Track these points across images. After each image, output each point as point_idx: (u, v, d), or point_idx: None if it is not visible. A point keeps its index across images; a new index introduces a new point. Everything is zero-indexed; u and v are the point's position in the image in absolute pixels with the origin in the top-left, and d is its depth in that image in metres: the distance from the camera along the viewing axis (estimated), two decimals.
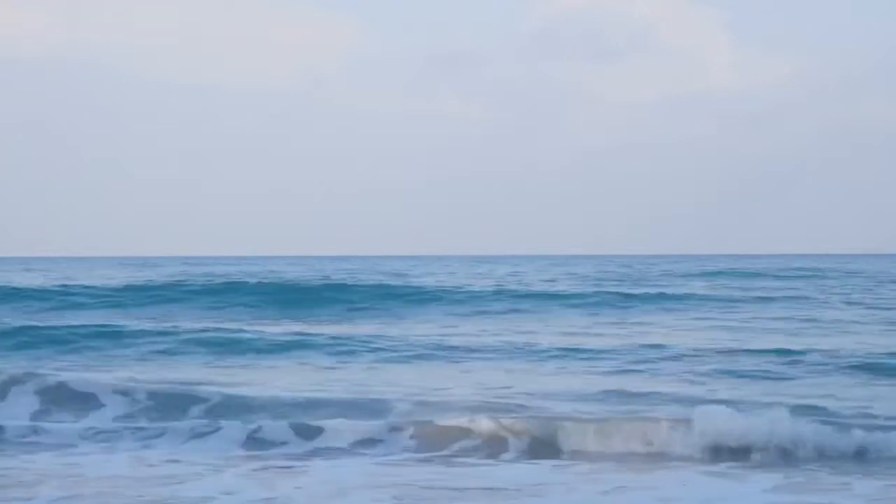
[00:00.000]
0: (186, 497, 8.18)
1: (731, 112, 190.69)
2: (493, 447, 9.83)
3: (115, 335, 18.38)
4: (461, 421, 10.29)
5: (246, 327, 19.89)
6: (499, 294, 28.81)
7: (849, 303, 27.71)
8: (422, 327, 21.20)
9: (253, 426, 10.48)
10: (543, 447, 9.82)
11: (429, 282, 35.02)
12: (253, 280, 31.69)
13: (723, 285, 36.78)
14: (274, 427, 10.48)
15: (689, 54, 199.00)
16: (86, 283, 32.05)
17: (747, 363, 15.00)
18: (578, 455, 9.63)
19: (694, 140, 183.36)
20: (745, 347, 16.62)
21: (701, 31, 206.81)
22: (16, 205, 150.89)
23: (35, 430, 10.72)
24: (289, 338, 18.16)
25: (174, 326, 19.51)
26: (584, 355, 16.06)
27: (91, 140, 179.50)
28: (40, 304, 25.69)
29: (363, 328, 20.61)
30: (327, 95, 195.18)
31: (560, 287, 33.71)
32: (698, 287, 34.82)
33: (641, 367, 14.90)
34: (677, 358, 15.61)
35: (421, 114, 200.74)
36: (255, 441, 10.22)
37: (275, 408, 11.26)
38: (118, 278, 37.58)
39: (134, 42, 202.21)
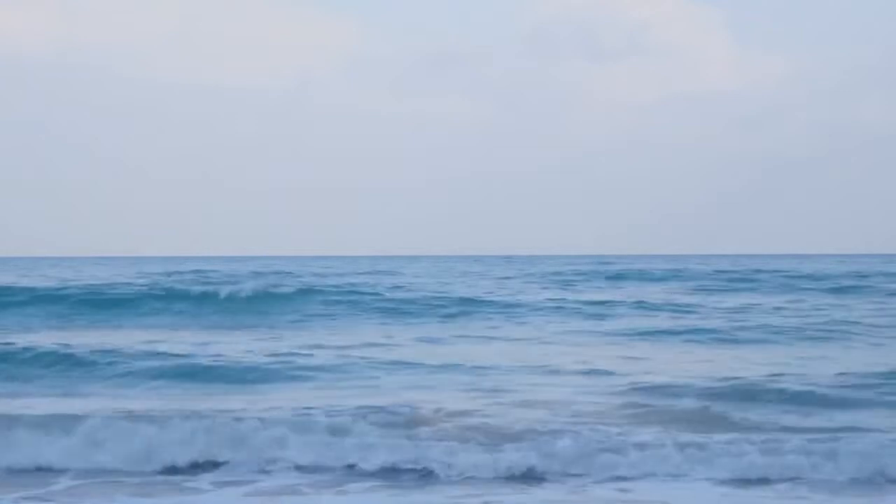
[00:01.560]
0: (186, 488, 8.94)
1: (730, 112, 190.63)
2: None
3: None
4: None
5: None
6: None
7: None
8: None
9: None
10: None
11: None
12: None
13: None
14: None
15: (689, 54, 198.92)
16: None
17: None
18: None
19: (694, 140, 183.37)
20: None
21: (700, 31, 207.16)
22: (16, 205, 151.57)
23: None
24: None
25: None
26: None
27: (91, 140, 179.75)
28: None
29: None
30: (327, 95, 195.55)
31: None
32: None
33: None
34: None
35: (421, 114, 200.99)
36: None
37: None
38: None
39: (134, 42, 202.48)
